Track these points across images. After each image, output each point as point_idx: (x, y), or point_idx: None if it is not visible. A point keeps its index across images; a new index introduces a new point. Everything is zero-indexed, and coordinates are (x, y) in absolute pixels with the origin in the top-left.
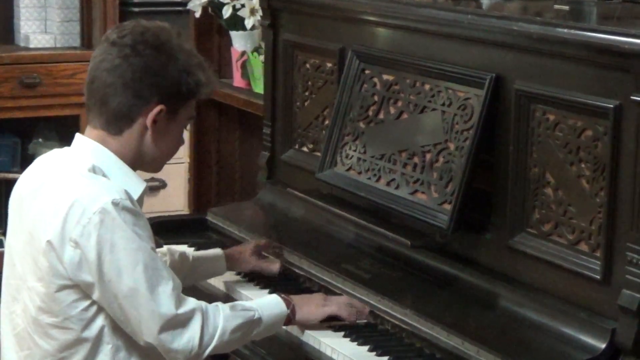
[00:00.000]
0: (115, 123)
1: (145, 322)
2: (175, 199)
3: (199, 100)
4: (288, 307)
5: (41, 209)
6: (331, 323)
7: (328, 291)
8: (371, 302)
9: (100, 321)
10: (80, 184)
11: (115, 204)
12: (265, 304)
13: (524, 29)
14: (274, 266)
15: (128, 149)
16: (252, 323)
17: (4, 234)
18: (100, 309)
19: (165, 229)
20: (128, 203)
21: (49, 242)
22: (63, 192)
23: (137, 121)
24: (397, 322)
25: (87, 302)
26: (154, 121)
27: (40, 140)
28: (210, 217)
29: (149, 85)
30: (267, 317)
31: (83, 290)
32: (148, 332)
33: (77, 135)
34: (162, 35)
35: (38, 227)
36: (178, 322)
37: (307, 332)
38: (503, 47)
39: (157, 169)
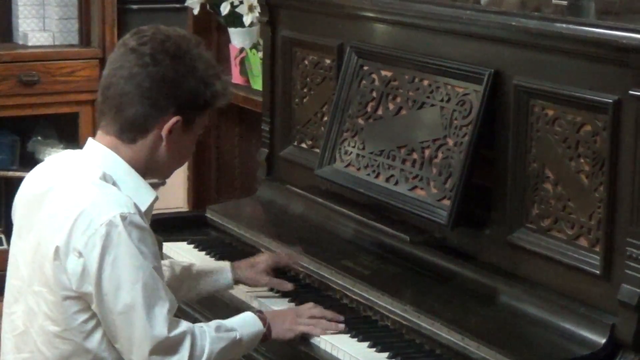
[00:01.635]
0: (129, 132)
1: (137, 342)
2: (174, 196)
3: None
4: (264, 325)
5: (50, 215)
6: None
7: (328, 288)
8: (371, 298)
9: (99, 334)
10: (90, 193)
11: (123, 217)
12: (243, 323)
13: (523, 25)
14: (287, 285)
15: (140, 157)
16: (234, 344)
17: (4, 232)
18: (100, 322)
19: (164, 226)
20: (137, 218)
21: (56, 249)
22: (72, 200)
23: (152, 131)
24: (397, 318)
25: (87, 315)
26: (169, 132)
27: (39, 138)
28: (209, 214)
29: (166, 96)
30: (246, 337)
31: (85, 301)
32: (138, 353)
33: (90, 140)
34: (182, 44)
35: (46, 234)
36: (168, 346)
37: None
38: (502, 42)
39: (167, 175)
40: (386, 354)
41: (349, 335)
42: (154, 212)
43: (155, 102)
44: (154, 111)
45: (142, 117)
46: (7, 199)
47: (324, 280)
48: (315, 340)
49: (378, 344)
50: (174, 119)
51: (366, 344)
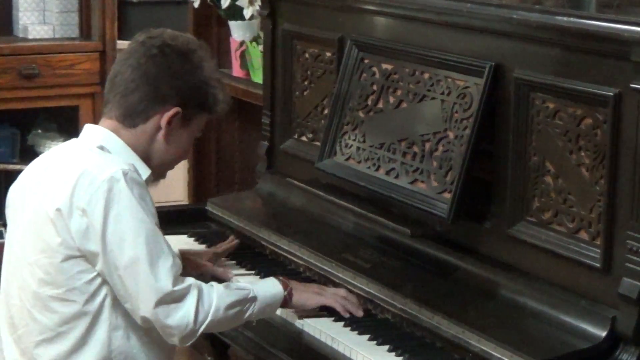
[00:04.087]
0: (131, 117)
1: (142, 295)
2: (175, 190)
3: (210, 117)
4: (285, 289)
5: (49, 181)
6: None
7: (328, 281)
8: (371, 291)
9: (102, 295)
10: (89, 157)
11: (124, 173)
12: (261, 284)
13: (524, 18)
14: (228, 274)
15: (138, 142)
16: (247, 301)
17: (4, 225)
18: (104, 282)
19: (165, 220)
20: (136, 175)
21: (58, 210)
22: (72, 164)
23: (153, 119)
24: (397, 312)
25: (91, 274)
26: (169, 122)
27: (39, 131)
28: (210, 207)
29: (170, 87)
30: (262, 297)
31: (89, 261)
32: (144, 306)
33: (87, 125)
34: (190, 44)
35: (45, 199)
36: (174, 298)
37: (307, 321)
38: (502, 35)
39: (161, 174)
40: (386, 347)
41: (349, 328)
42: (155, 205)
43: (159, 90)
44: (157, 98)
45: (145, 104)
46: (7, 192)
47: (324, 273)
48: (315, 333)
49: (378, 337)
50: (174, 110)
51: (366, 336)
